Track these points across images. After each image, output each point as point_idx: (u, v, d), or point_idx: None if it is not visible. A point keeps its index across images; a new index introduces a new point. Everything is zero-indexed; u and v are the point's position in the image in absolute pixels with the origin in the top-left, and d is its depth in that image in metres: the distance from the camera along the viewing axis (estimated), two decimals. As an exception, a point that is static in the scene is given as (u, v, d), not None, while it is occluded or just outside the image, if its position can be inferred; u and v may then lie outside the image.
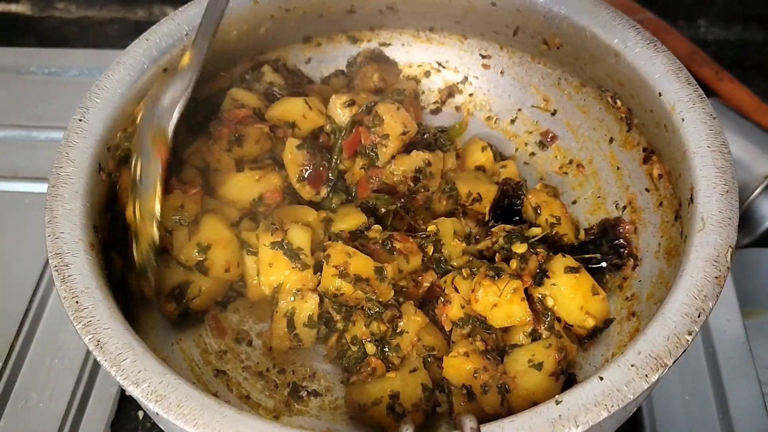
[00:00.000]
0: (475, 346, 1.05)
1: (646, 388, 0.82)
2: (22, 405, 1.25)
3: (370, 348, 1.08)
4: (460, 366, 1.03)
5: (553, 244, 1.16)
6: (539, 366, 1.02)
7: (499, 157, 1.32)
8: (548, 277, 1.08)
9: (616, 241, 1.16)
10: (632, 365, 0.83)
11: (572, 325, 1.08)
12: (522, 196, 1.20)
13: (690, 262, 0.92)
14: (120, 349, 0.86)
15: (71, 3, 2.04)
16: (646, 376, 0.83)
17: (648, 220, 1.17)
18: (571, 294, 1.07)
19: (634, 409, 1.04)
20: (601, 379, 0.83)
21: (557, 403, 0.81)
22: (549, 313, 1.07)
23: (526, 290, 1.06)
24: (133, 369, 0.85)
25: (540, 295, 1.07)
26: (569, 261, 1.09)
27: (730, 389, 1.24)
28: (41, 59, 1.73)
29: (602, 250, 1.16)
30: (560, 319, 1.08)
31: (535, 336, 1.06)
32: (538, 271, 1.08)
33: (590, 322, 1.07)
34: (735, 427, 1.20)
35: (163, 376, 0.84)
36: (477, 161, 1.29)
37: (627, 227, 1.17)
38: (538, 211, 1.17)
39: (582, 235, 1.19)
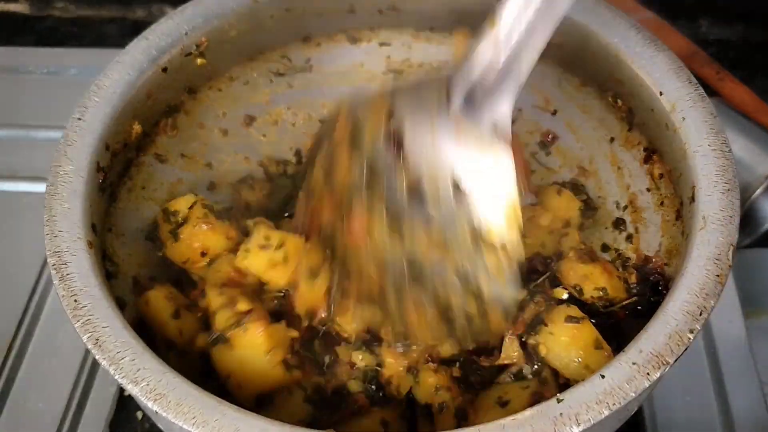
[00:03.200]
0: (450, 370, 1.02)
1: (647, 386, 0.82)
2: (21, 405, 1.24)
3: (354, 385, 1.04)
4: (425, 380, 1.01)
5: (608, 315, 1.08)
6: (505, 404, 0.98)
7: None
8: (546, 325, 1.01)
9: (652, 278, 1.09)
10: (633, 363, 0.83)
11: (569, 379, 1.00)
12: (549, 274, 1.10)
13: (691, 260, 0.91)
14: (119, 348, 0.86)
15: (70, 2, 2.04)
16: (648, 374, 0.82)
17: (649, 219, 1.17)
18: (568, 345, 0.99)
19: (636, 408, 1.04)
20: (603, 377, 0.82)
21: (558, 401, 0.81)
22: (539, 361, 1.01)
23: (520, 336, 1.02)
24: (132, 367, 0.84)
25: (534, 342, 1.01)
26: (572, 310, 1.02)
27: (731, 390, 1.24)
28: (39, 58, 1.73)
29: (644, 295, 1.09)
30: (557, 371, 1.01)
31: (519, 376, 1.02)
32: (533, 320, 1.03)
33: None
34: (736, 428, 1.20)
35: (162, 375, 0.84)
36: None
37: (656, 260, 1.11)
38: (579, 290, 1.08)
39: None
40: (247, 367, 1.01)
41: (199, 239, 1.12)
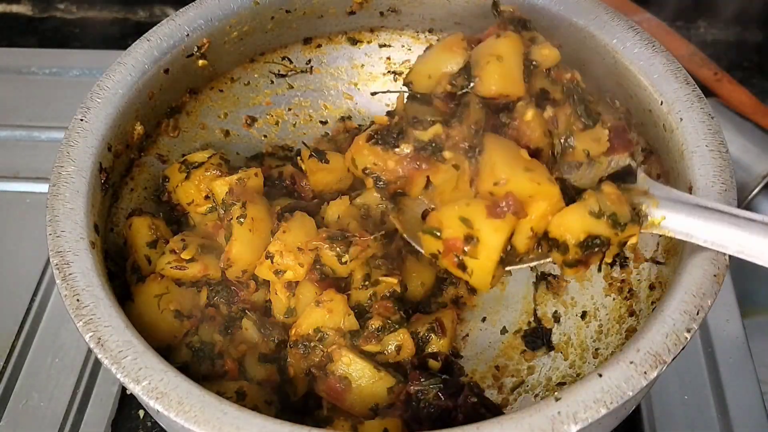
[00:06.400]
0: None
1: (644, 385, 0.82)
2: (23, 404, 1.25)
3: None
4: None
5: None
6: None
7: None
8: None
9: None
10: (631, 362, 0.84)
11: None
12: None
13: (688, 260, 0.92)
14: (121, 347, 0.87)
15: (72, 3, 2.05)
16: (645, 373, 0.83)
17: (647, 219, 1.17)
18: None
19: (633, 407, 1.04)
20: (600, 376, 0.83)
21: (556, 399, 0.82)
22: None
23: None
24: (134, 366, 0.85)
25: None
26: None
27: (729, 388, 1.24)
28: (42, 60, 1.74)
29: None
30: None
31: None
32: None
33: None
34: (734, 426, 1.21)
35: (164, 374, 0.85)
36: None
37: None
38: None
39: None
40: (145, 313, 1.06)
41: (207, 182, 1.16)
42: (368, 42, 1.39)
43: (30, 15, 2.06)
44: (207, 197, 1.17)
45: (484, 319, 1.23)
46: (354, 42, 1.38)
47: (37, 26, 2.04)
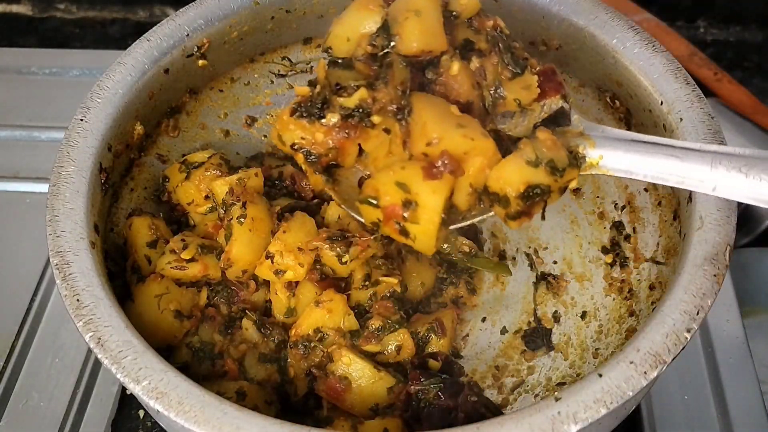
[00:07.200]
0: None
1: (644, 385, 0.83)
2: (23, 404, 1.25)
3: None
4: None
5: None
6: None
7: None
8: None
9: None
10: (631, 362, 0.84)
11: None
12: None
13: (689, 260, 0.92)
14: (121, 347, 0.87)
15: (72, 3, 2.05)
16: (645, 373, 0.83)
17: (647, 219, 1.17)
18: None
19: (633, 407, 1.04)
20: (600, 376, 0.83)
21: (556, 399, 0.82)
22: None
23: None
24: (134, 366, 0.85)
25: None
26: None
27: (729, 388, 1.24)
28: (42, 59, 1.74)
29: None
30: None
31: None
32: None
33: None
34: (734, 426, 1.21)
35: (164, 374, 0.85)
36: None
37: None
38: None
39: None
40: (146, 313, 1.06)
41: (207, 182, 1.16)
42: (368, 42, 1.39)
43: (30, 15, 2.06)
44: (207, 197, 1.17)
45: (484, 319, 1.23)
46: (354, 42, 1.38)
47: (37, 26, 2.04)
